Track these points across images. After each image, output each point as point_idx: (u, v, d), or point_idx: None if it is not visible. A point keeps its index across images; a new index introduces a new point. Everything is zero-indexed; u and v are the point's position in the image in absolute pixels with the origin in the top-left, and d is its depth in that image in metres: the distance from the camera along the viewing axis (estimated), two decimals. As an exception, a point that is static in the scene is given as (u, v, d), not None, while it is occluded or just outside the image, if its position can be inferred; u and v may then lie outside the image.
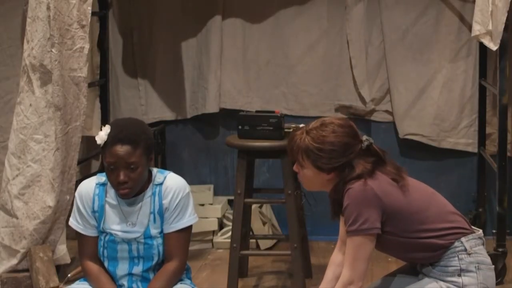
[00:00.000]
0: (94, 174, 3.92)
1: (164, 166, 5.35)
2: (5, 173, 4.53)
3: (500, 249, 4.51)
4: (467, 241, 3.12)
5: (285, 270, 4.93)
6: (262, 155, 4.61)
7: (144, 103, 5.60)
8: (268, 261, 5.09)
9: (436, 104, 5.37)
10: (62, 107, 4.44)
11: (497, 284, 3.55)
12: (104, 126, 3.34)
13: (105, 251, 3.40)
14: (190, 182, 3.68)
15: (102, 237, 3.39)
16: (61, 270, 4.61)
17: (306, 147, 3.11)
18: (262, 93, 5.52)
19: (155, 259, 3.40)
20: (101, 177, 3.42)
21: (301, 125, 3.52)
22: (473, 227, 3.22)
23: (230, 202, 5.48)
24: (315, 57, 5.46)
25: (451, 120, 5.38)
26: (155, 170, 3.43)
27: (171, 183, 3.40)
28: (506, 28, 4.36)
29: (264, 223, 5.32)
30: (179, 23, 5.52)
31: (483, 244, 3.18)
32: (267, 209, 5.41)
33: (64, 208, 4.53)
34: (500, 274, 4.49)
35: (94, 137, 3.38)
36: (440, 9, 5.34)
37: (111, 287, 3.38)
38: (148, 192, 3.39)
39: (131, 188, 3.30)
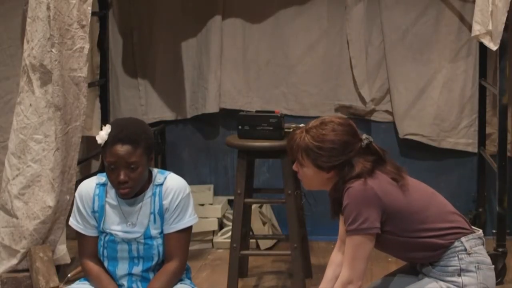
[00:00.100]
0: (94, 174, 3.92)
1: (164, 166, 5.34)
2: (5, 173, 4.53)
3: (500, 249, 4.50)
4: (467, 241, 3.12)
5: (285, 270, 4.92)
6: (262, 155, 4.61)
7: (144, 103, 5.59)
8: (268, 261, 5.09)
9: (436, 104, 5.36)
10: (62, 107, 4.44)
11: (497, 284, 3.54)
12: (104, 126, 3.34)
13: (105, 251, 3.40)
14: (190, 182, 3.67)
15: (102, 237, 3.39)
16: (61, 270, 4.61)
17: (306, 145, 3.11)
18: (262, 93, 5.52)
19: (155, 259, 3.40)
20: (101, 177, 3.42)
21: (301, 125, 3.52)
22: (473, 227, 3.22)
23: (230, 202, 5.47)
24: (315, 57, 5.45)
25: (451, 120, 5.38)
26: (155, 171, 3.43)
27: (172, 183, 3.39)
28: (506, 28, 4.36)
29: (264, 223, 5.32)
30: (179, 23, 5.52)
31: (483, 244, 3.18)
32: (267, 209, 5.41)
33: (64, 208, 4.53)
34: (500, 274, 4.48)
35: (94, 137, 3.38)
36: (440, 9, 5.33)
37: (112, 286, 3.39)
38: (148, 192, 3.38)
39: (131, 188, 3.30)
